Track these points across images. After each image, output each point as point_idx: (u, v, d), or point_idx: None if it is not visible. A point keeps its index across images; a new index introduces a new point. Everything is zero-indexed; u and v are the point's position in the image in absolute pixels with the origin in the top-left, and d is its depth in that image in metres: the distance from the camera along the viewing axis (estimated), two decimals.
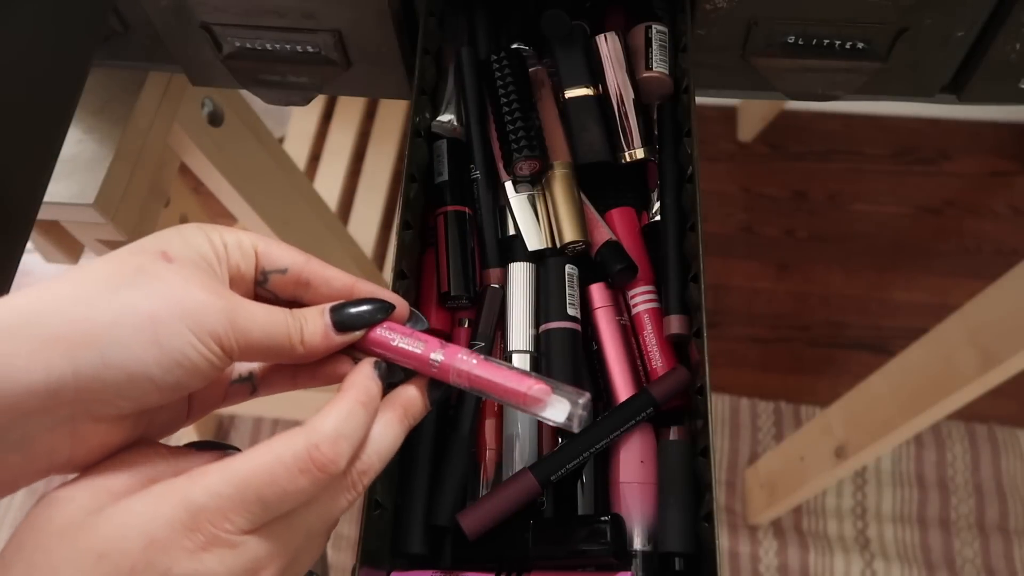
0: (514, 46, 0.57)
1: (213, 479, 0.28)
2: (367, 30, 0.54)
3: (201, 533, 0.27)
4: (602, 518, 0.42)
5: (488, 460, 0.47)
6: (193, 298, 0.30)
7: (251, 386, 0.37)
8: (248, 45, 0.55)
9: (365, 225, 1.40)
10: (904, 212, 1.49)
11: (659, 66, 0.54)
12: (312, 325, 0.34)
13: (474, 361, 0.35)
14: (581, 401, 0.35)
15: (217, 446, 0.33)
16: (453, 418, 0.47)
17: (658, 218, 0.52)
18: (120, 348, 0.28)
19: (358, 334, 0.35)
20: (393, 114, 1.52)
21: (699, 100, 0.52)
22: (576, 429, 0.35)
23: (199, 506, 0.27)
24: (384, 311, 0.35)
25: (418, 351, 0.35)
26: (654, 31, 0.55)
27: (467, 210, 0.51)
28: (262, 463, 0.28)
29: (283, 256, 0.35)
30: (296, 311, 0.34)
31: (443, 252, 0.49)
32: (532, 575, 0.42)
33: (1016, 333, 0.79)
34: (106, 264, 0.30)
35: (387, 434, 0.33)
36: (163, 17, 0.54)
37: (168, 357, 0.29)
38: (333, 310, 0.34)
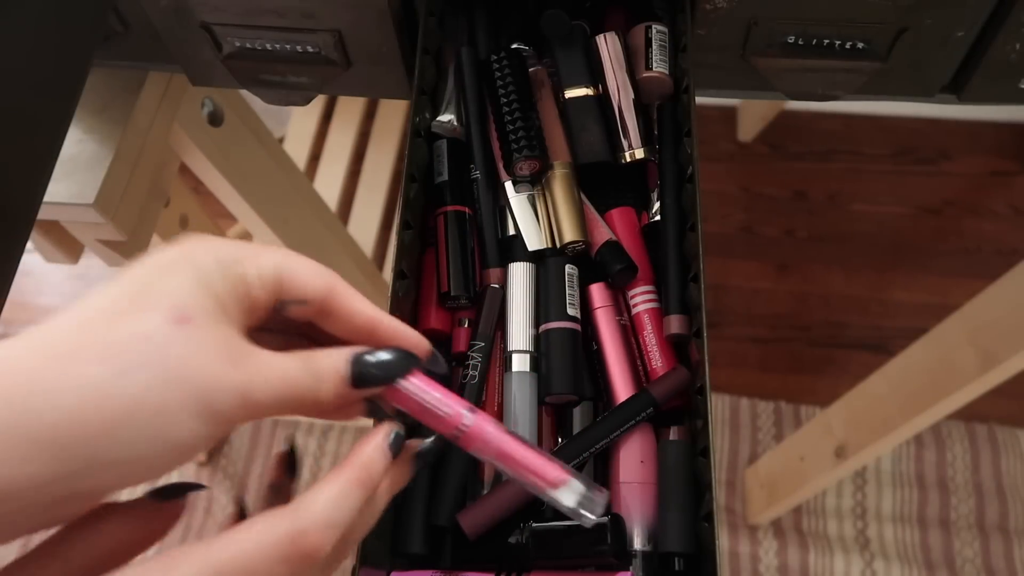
0: (514, 46, 0.57)
1: (187, 571, 0.25)
2: (367, 30, 0.54)
3: None
4: (602, 518, 0.42)
5: (487, 467, 0.47)
6: (205, 378, 0.26)
7: None
8: (248, 45, 0.55)
9: (365, 225, 1.40)
10: (904, 212, 1.49)
11: (659, 66, 0.54)
12: (328, 383, 0.30)
13: (504, 435, 0.33)
14: (598, 499, 0.33)
15: (178, 491, 0.31)
16: None
17: (658, 218, 0.52)
18: (118, 447, 0.25)
19: (376, 390, 0.32)
20: (393, 114, 1.52)
21: (699, 100, 0.52)
22: (587, 522, 0.33)
23: None
24: (407, 365, 0.32)
25: (446, 413, 0.32)
26: (654, 31, 0.55)
27: (467, 210, 0.51)
28: (241, 551, 0.26)
29: (307, 286, 0.31)
30: (311, 361, 0.30)
31: (443, 252, 0.49)
32: (532, 575, 0.42)
33: (1016, 333, 0.79)
34: (110, 327, 0.26)
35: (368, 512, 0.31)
36: (163, 17, 0.54)
37: (169, 448, 0.26)
38: (353, 362, 0.31)
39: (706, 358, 0.43)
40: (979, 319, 0.84)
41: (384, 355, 0.32)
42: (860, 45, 0.52)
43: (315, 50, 0.55)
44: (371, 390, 0.31)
